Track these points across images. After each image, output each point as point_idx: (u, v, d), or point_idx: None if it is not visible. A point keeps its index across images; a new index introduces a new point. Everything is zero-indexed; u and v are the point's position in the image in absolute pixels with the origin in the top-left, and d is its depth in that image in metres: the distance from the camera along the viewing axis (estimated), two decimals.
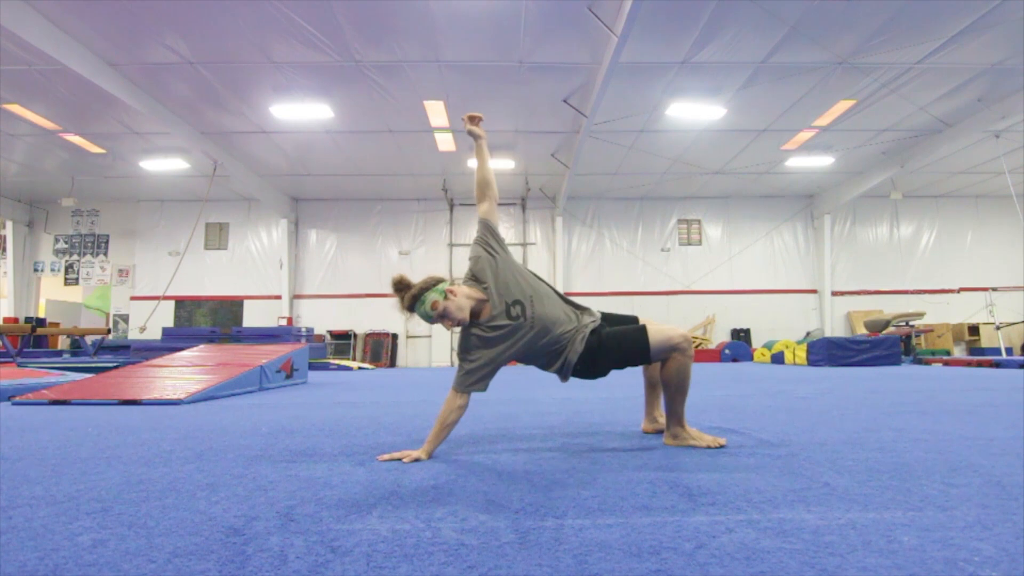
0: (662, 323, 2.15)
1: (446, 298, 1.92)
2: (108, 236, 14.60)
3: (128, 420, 3.11)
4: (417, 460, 1.87)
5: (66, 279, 14.55)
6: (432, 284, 1.95)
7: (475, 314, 1.99)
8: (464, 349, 2.01)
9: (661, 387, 2.44)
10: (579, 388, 5.12)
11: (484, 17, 6.99)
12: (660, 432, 2.42)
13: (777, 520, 1.19)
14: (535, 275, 2.14)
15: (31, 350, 9.75)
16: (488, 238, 2.08)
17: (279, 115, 9.56)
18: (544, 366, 2.13)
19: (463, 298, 1.96)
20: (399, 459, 1.88)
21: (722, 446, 2.06)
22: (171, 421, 3.05)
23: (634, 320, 2.24)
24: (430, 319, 1.93)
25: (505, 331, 1.99)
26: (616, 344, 2.09)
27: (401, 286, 1.97)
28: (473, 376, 1.98)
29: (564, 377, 2.14)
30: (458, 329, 2.03)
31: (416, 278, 2.00)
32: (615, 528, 1.16)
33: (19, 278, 14.28)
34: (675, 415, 2.13)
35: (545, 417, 2.97)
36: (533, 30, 7.27)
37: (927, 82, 8.68)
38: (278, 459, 1.95)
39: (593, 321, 2.14)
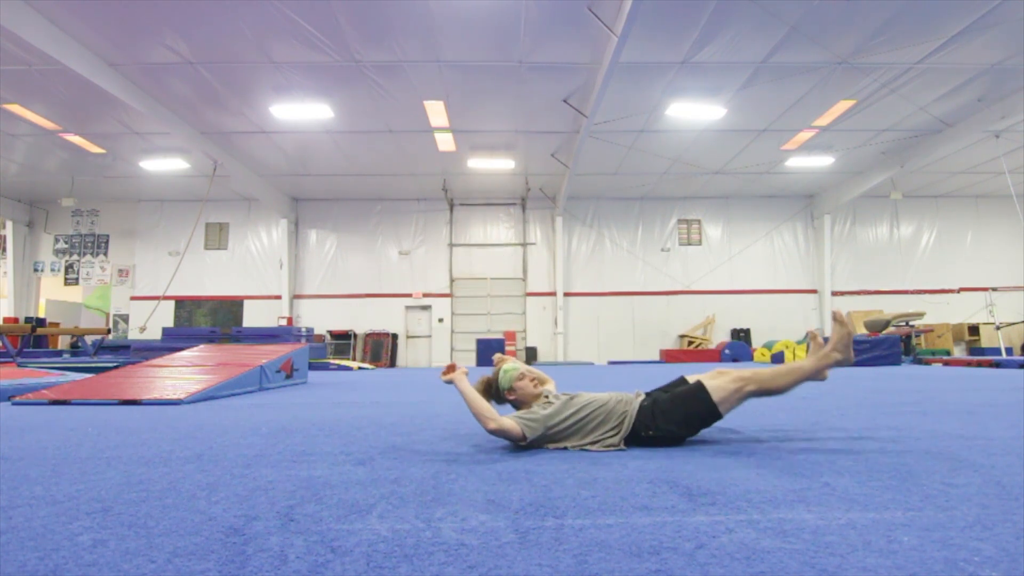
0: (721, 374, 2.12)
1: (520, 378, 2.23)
2: (108, 236, 14.60)
3: (128, 420, 3.11)
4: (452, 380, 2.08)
5: (66, 279, 14.55)
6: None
7: (523, 401, 2.21)
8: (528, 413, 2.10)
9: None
10: (579, 389, 5.12)
11: (484, 17, 6.99)
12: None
13: (777, 520, 1.19)
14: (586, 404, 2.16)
15: (31, 350, 9.75)
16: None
17: (279, 115, 9.56)
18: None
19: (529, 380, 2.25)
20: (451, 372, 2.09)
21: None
22: (171, 421, 3.05)
23: (682, 382, 2.22)
24: (510, 381, 2.22)
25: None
26: (675, 404, 2.07)
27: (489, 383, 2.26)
28: (531, 422, 2.02)
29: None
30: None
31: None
32: (615, 528, 1.15)
33: (19, 278, 14.29)
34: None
35: None
36: (533, 30, 7.27)
37: (927, 82, 8.68)
38: (278, 459, 1.95)
39: (636, 399, 2.13)
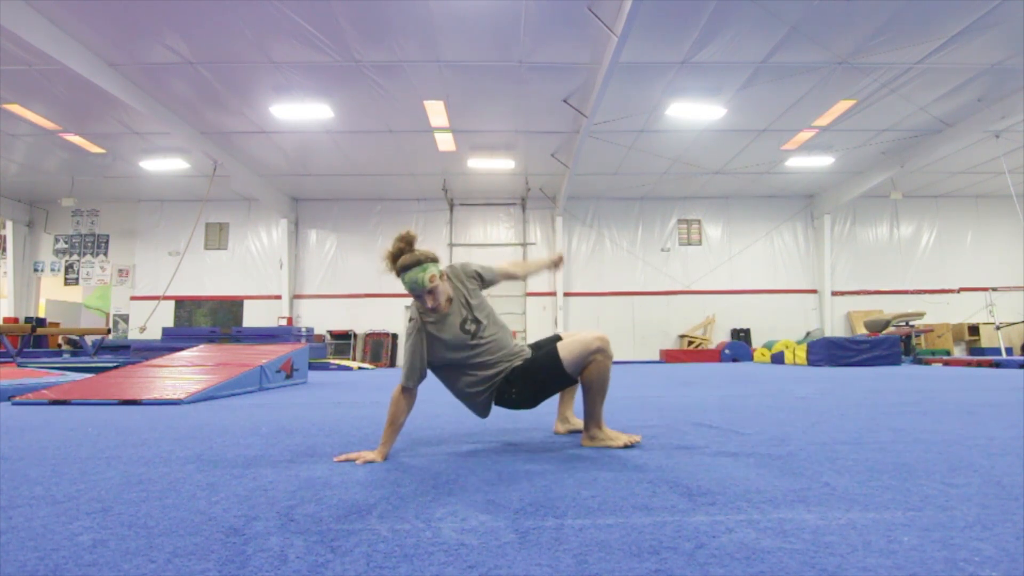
0: (577, 332, 2.16)
1: (442, 278, 2.02)
2: (108, 236, 14.60)
3: (128, 420, 3.11)
4: (370, 462, 1.86)
5: (66, 279, 14.55)
6: (435, 259, 2.03)
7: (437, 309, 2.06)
8: (415, 343, 2.04)
9: (574, 389, 2.47)
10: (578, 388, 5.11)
11: (484, 17, 6.99)
12: (572, 433, 2.43)
13: (777, 520, 1.19)
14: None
15: (31, 350, 9.75)
16: (487, 282, 2.24)
17: (279, 115, 9.56)
18: (467, 395, 2.15)
19: (447, 290, 2.06)
20: (353, 459, 1.88)
21: (637, 442, 2.11)
22: (171, 421, 3.05)
23: (554, 340, 2.24)
24: (417, 287, 1.96)
25: (456, 337, 2.05)
26: (533, 373, 2.10)
27: (407, 244, 2.01)
28: (417, 371, 2.03)
29: (484, 410, 2.18)
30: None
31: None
32: (615, 528, 1.16)
33: (19, 278, 14.28)
34: (594, 417, 2.13)
35: (545, 417, 2.97)
36: (533, 30, 7.27)
37: (927, 82, 8.67)
38: (278, 459, 1.95)
39: (524, 356, 2.18)
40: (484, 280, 2.22)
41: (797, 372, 7.80)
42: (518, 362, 2.13)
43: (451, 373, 2.13)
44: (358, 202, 14.54)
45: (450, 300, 2.06)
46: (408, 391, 2.02)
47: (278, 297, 14.19)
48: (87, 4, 6.64)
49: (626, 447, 2.06)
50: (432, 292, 1.97)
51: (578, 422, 2.42)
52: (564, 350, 2.07)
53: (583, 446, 2.15)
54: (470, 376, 2.11)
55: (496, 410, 3.08)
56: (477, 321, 2.09)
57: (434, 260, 2.01)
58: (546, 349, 2.14)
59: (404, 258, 1.98)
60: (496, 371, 2.10)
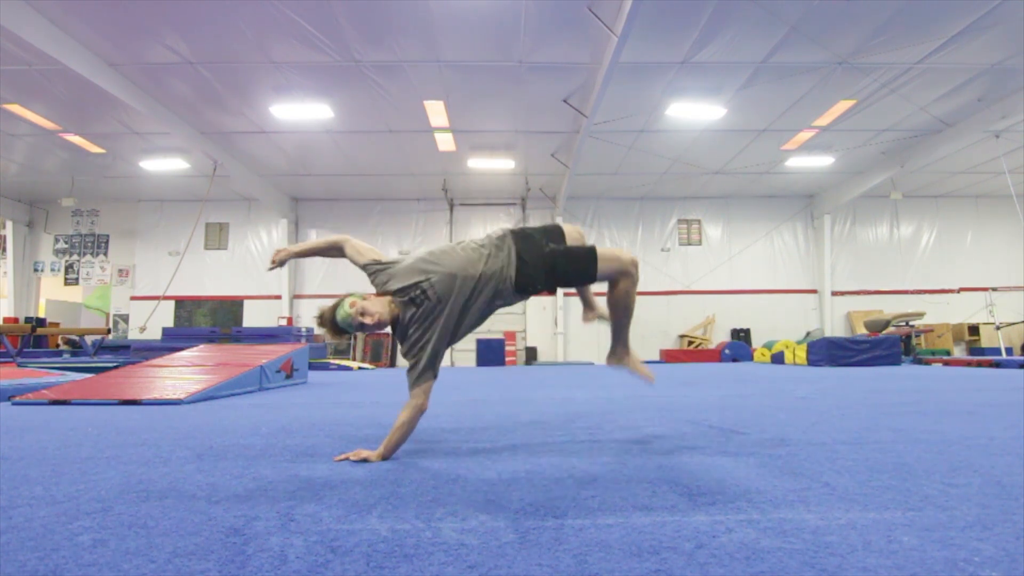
0: (611, 247, 2.18)
1: (363, 299, 1.99)
2: (108, 236, 14.60)
3: (128, 420, 3.11)
4: (366, 460, 1.87)
5: (66, 279, 14.55)
6: (344, 296, 2.04)
7: (394, 318, 2.03)
8: (404, 351, 2.04)
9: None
10: (579, 388, 5.12)
11: (484, 17, 6.99)
12: (599, 319, 2.52)
13: (777, 520, 1.19)
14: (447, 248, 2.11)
15: (31, 350, 9.75)
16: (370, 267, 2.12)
17: (279, 115, 9.56)
18: (493, 307, 2.11)
19: (377, 301, 2.01)
20: (350, 458, 1.89)
21: (651, 382, 2.33)
22: (171, 421, 3.05)
23: (558, 233, 2.24)
24: (350, 324, 1.97)
25: (420, 315, 1.98)
26: (565, 261, 2.11)
27: (322, 314, 2.05)
28: (417, 370, 1.99)
29: (510, 300, 2.11)
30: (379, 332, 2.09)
31: None
32: (615, 528, 1.16)
33: (19, 278, 14.28)
34: (621, 338, 2.28)
35: (545, 417, 2.97)
36: (533, 30, 7.27)
37: (927, 82, 8.67)
38: (278, 459, 1.95)
39: (511, 239, 2.10)
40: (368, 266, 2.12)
41: (797, 372, 7.80)
42: (512, 249, 2.06)
43: (472, 325, 2.09)
44: (358, 202, 14.53)
45: (390, 303, 2.01)
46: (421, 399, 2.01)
47: (278, 297, 14.20)
48: (87, 4, 6.64)
49: (644, 376, 2.30)
50: (363, 314, 1.95)
51: (604, 309, 2.44)
52: (602, 257, 2.12)
53: (607, 364, 2.35)
54: (479, 313, 2.06)
55: (493, 411, 3.10)
56: (417, 286, 1.98)
57: (348, 295, 2.04)
58: (586, 249, 2.16)
59: (327, 317, 2.02)
60: (492, 289, 2.03)
